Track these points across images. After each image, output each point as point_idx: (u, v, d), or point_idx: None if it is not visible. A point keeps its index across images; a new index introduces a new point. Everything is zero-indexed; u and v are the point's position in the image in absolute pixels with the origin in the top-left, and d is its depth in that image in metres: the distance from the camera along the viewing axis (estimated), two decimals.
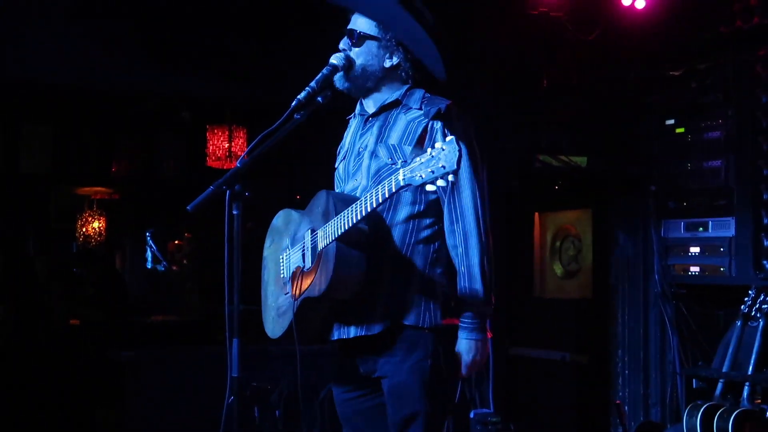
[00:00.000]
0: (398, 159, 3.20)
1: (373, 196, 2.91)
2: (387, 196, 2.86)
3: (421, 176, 2.68)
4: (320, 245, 3.15)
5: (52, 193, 11.08)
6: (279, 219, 3.58)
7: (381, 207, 3.08)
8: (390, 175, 3.11)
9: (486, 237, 3.19)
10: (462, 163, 2.88)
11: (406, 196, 3.19)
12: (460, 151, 2.63)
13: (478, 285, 3.13)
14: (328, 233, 3.11)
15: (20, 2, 5.92)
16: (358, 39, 3.30)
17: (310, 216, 3.31)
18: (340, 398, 3.44)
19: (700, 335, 6.27)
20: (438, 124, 3.19)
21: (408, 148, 3.20)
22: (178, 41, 6.24)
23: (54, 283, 9.06)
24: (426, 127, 3.20)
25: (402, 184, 2.75)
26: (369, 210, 2.92)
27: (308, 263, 3.23)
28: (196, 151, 9.82)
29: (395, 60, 3.32)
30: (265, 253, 3.62)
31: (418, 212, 3.21)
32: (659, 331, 6.50)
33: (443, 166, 2.64)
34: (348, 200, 3.10)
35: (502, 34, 6.18)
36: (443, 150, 2.65)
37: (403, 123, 3.26)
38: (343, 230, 3.02)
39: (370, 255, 3.12)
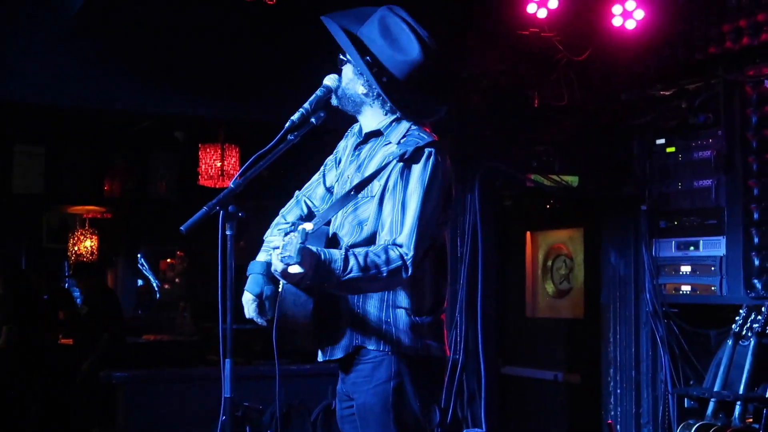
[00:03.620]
0: (364, 195, 3.18)
1: None
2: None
3: (276, 267, 2.84)
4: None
5: (45, 213, 11.08)
6: None
7: (345, 231, 3.20)
8: (356, 209, 3.19)
9: (396, 270, 3.03)
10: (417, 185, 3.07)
11: (364, 219, 3.19)
12: (302, 244, 2.73)
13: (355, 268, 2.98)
14: None
15: (12, 24, 5.93)
16: (339, 62, 3.32)
17: None
18: (339, 414, 3.46)
19: (691, 354, 6.29)
20: (399, 168, 3.12)
21: (376, 184, 3.17)
22: (170, 61, 6.25)
23: (48, 303, 9.03)
24: (394, 166, 3.13)
25: (277, 265, 2.85)
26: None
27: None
28: (188, 170, 9.82)
29: (366, 87, 3.26)
30: None
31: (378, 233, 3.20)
32: (651, 350, 6.52)
33: (289, 255, 2.75)
34: (318, 235, 3.13)
35: (494, 54, 6.20)
36: (291, 241, 2.75)
37: (380, 156, 3.23)
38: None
39: (318, 298, 3.11)
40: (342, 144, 3.53)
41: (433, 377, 3.31)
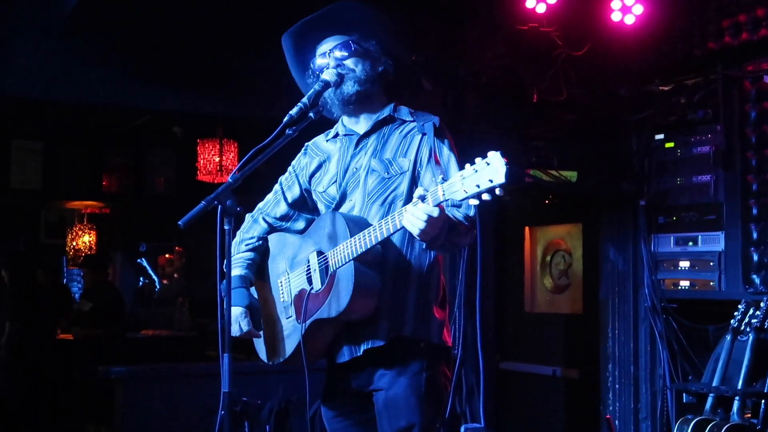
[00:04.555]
0: (394, 173, 3.22)
1: (398, 217, 2.95)
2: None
3: (464, 191, 2.72)
4: (332, 266, 3.15)
5: (43, 208, 11.08)
6: (271, 243, 3.57)
7: (374, 213, 3.19)
8: (386, 189, 3.14)
9: (473, 227, 3.17)
10: None
11: (398, 195, 3.21)
12: (507, 164, 2.67)
13: (461, 225, 3.09)
14: (343, 254, 3.10)
15: (10, 19, 5.93)
16: (356, 47, 3.35)
17: (313, 238, 3.30)
18: (328, 414, 3.45)
19: (690, 350, 6.29)
20: (426, 139, 3.21)
21: (404, 161, 3.22)
22: (168, 57, 6.26)
23: (51, 299, 9.03)
24: (421, 140, 3.21)
25: (441, 199, 2.79)
26: (394, 230, 2.96)
27: (317, 285, 3.22)
28: (186, 166, 9.82)
29: (382, 66, 3.37)
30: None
31: None
32: (649, 346, 6.51)
33: (490, 180, 2.67)
34: (360, 221, 3.12)
35: (492, 49, 6.20)
36: (488, 165, 2.68)
37: (397, 137, 3.29)
38: (362, 250, 3.03)
39: (382, 274, 3.14)
40: (305, 160, 3.55)
41: (450, 369, 3.36)
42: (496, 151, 2.71)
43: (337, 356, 3.30)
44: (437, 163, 3.18)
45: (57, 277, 10.41)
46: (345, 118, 3.43)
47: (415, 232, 2.89)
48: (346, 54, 3.34)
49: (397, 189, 3.23)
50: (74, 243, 10.89)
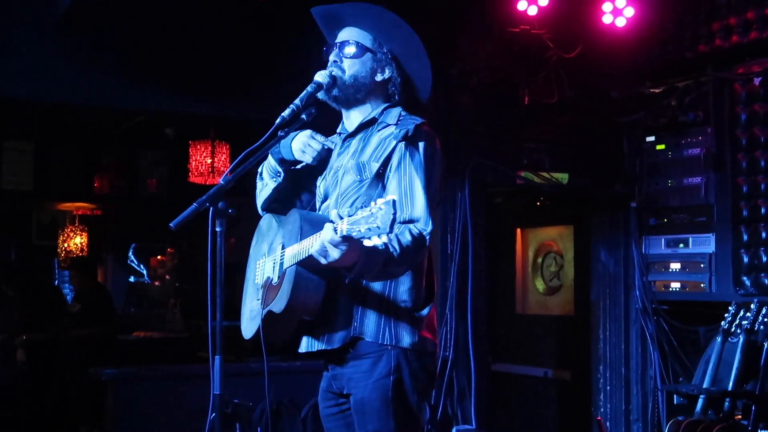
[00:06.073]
0: (366, 176, 3.21)
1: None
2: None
3: (359, 230, 2.68)
4: (285, 264, 3.17)
5: (35, 210, 11.05)
6: (264, 222, 3.59)
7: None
8: (357, 192, 3.19)
9: (421, 248, 3.09)
10: (419, 167, 3.09)
11: (366, 201, 3.17)
12: (394, 214, 2.63)
13: (394, 257, 2.98)
14: (292, 255, 3.12)
15: (2, 20, 5.93)
16: (355, 49, 3.32)
17: (284, 230, 3.33)
18: (324, 413, 3.46)
19: (680, 351, 6.31)
20: (402, 146, 3.18)
21: (375, 165, 3.20)
22: (161, 58, 6.25)
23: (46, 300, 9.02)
24: (394, 147, 3.19)
25: (344, 234, 2.73)
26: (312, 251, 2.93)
27: (275, 278, 3.26)
28: (178, 167, 9.81)
29: (387, 74, 3.33)
30: (251, 251, 3.63)
31: None
32: (640, 347, 6.53)
33: (378, 226, 2.64)
34: (315, 223, 3.09)
35: (484, 51, 6.21)
36: (381, 209, 2.65)
37: (376, 140, 3.27)
38: (303, 257, 3.02)
39: (330, 280, 3.13)
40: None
41: (428, 371, 3.31)
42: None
43: (298, 346, 3.32)
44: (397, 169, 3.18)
45: (49, 279, 10.39)
46: (344, 116, 3.44)
47: (323, 262, 2.87)
48: (345, 54, 3.33)
49: (366, 194, 3.20)
50: (66, 245, 10.87)
